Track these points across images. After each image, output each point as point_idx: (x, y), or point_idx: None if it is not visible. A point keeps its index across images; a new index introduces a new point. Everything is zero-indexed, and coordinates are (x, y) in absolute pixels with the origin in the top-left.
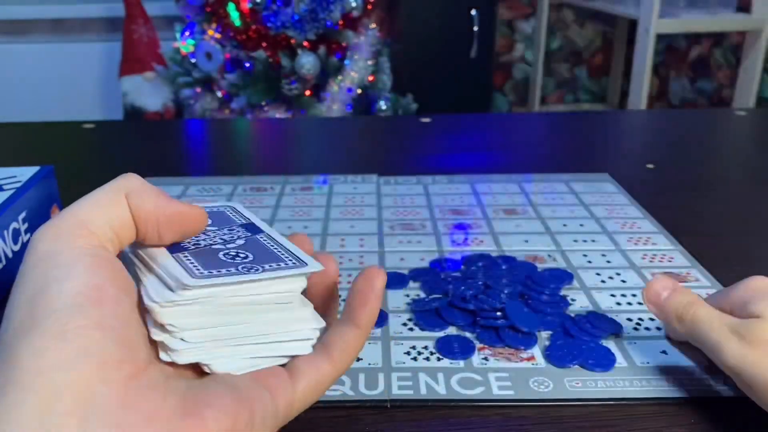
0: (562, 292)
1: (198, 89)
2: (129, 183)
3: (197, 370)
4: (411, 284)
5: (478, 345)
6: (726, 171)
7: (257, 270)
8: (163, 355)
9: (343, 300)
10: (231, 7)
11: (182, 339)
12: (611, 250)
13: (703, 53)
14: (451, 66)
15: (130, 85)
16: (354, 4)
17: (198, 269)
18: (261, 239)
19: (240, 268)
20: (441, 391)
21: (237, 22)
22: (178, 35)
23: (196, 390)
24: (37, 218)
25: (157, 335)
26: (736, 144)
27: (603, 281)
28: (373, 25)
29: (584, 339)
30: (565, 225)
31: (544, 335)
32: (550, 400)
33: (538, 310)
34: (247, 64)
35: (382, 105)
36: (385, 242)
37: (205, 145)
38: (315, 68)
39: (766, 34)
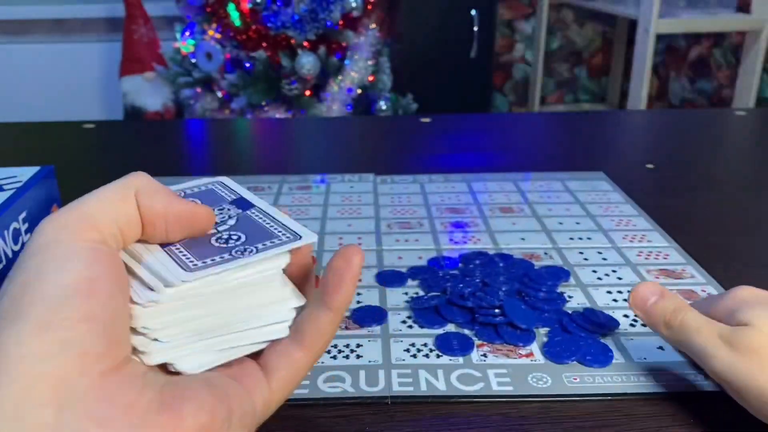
0: (559, 289)
1: (198, 89)
2: (138, 181)
3: None
4: (409, 282)
5: (476, 342)
6: (726, 171)
7: (252, 251)
8: (134, 357)
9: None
10: (231, 7)
11: (156, 339)
12: (607, 247)
13: (702, 53)
14: (451, 66)
15: (131, 85)
16: (354, 4)
17: (192, 261)
18: (252, 215)
19: (234, 252)
20: (441, 387)
21: (237, 22)
22: (178, 35)
23: (175, 385)
24: (38, 218)
25: (132, 339)
26: (736, 144)
27: (599, 278)
28: (373, 25)
29: (581, 335)
30: (560, 223)
31: (541, 332)
32: (548, 395)
33: (536, 307)
34: (247, 64)
35: (382, 105)
36: (383, 241)
37: (205, 145)
38: (315, 68)
39: (766, 34)
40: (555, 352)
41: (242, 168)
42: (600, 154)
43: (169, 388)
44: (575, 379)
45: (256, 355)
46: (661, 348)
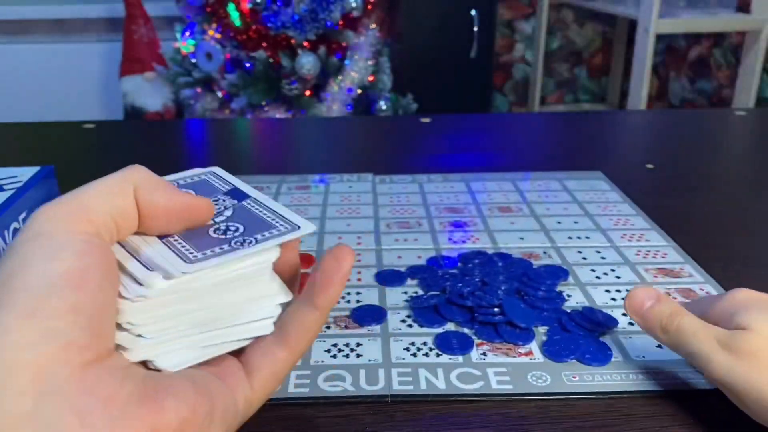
0: (558, 288)
1: (198, 89)
2: (138, 175)
3: None
4: (409, 282)
5: (476, 341)
6: (725, 171)
7: (251, 242)
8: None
9: None
10: (231, 8)
11: (140, 335)
12: (605, 246)
13: (702, 53)
14: (451, 66)
15: (131, 85)
16: (354, 4)
17: (192, 253)
18: (248, 205)
19: (234, 243)
20: (441, 386)
21: (237, 23)
22: (178, 35)
23: (157, 379)
24: None
25: (116, 336)
26: (736, 144)
27: (598, 277)
28: (373, 25)
29: (580, 334)
30: (559, 222)
31: (541, 331)
32: (548, 393)
33: (535, 306)
34: (248, 64)
35: (382, 105)
36: (382, 240)
37: (205, 145)
38: (315, 68)
39: (766, 34)
40: (554, 351)
41: (242, 168)
42: (599, 154)
43: (151, 382)
44: (574, 377)
45: (238, 353)
46: (659, 346)
